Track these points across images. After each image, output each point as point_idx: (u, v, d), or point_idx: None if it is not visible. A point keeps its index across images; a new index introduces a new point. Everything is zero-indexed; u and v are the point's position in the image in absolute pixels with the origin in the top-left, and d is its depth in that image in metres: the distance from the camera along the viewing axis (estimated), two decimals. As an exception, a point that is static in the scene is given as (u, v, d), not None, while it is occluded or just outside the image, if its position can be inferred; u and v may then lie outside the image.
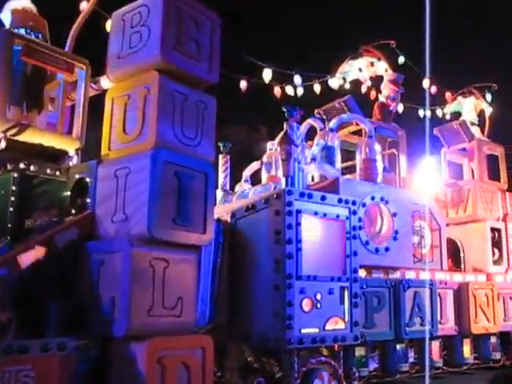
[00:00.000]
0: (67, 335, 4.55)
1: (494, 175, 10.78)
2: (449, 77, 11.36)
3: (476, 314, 8.47)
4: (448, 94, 11.43)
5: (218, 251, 6.23)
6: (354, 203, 6.63)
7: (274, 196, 6.17)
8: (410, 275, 7.90)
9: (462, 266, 9.83)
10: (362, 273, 7.34)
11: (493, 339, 9.00)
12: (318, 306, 6.09)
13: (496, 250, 9.93)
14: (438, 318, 7.88)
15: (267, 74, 9.44)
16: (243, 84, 9.51)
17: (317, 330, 6.06)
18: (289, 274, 5.91)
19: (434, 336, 7.74)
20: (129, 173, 5.01)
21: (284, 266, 5.91)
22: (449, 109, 11.81)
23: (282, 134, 6.66)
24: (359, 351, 7.04)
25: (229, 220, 6.57)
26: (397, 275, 7.71)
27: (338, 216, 6.46)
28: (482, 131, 11.46)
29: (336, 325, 6.23)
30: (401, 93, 9.61)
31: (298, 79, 9.74)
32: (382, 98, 9.61)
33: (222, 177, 8.64)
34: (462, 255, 9.93)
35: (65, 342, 4.38)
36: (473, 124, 11.32)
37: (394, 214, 7.58)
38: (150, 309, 4.70)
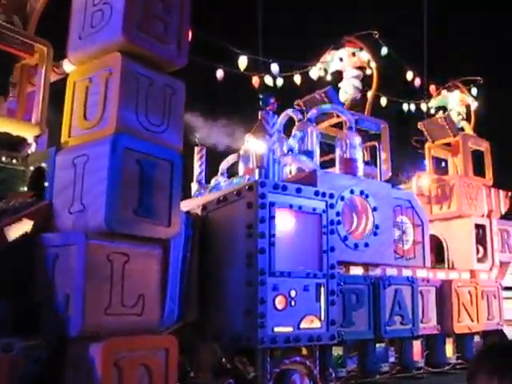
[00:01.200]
0: (18, 335, 4.23)
1: (479, 171, 10.59)
2: (433, 69, 11.08)
3: (459, 313, 8.18)
4: (432, 87, 11.16)
5: (188, 245, 5.91)
6: (331, 196, 6.32)
7: (247, 188, 5.85)
8: (391, 272, 7.62)
9: (446, 263, 9.61)
10: (340, 269, 7.07)
11: (476, 339, 8.74)
12: (293, 303, 5.78)
13: (480, 247, 9.69)
14: (420, 316, 7.59)
15: (242, 62, 9.07)
16: (220, 73, 9.15)
17: (291, 329, 5.75)
18: (261, 269, 5.59)
19: (415, 335, 7.45)
20: (87, 160, 4.68)
21: (256, 262, 5.60)
22: (434, 103, 11.56)
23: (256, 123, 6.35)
24: (337, 351, 6.75)
25: (200, 213, 6.26)
26: (377, 272, 7.43)
27: (314, 209, 6.15)
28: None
29: (311, 323, 5.92)
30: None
31: (275, 68, 9.37)
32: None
33: (198, 170, 8.33)
34: (445, 252, 9.69)
35: (12, 342, 4.05)
36: (463, 119, 11.08)
37: (375, 209, 7.29)
38: (108, 307, 4.37)
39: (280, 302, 5.71)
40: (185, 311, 5.82)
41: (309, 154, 7.47)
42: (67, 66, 5.72)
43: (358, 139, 7.67)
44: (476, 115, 11.20)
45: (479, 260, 9.53)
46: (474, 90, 11.19)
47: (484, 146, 10.79)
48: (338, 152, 7.62)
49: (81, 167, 4.71)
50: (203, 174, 8.36)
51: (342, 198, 6.98)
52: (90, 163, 4.65)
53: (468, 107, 11.21)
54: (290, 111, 8.14)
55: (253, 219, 5.72)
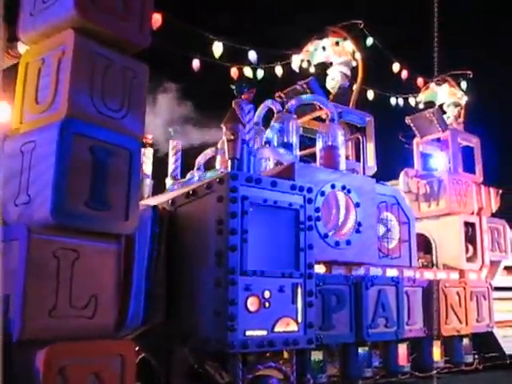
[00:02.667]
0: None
1: (468, 167, 10.25)
2: (421, 61, 10.67)
3: (447, 315, 7.78)
4: (420, 80, 10.76)
5: (155, 242, 5.52)
6: (309, 190, 5.90)
7: (217, 180, 5.44)
8: (375, 272, 7.22)
9: (434, 262, 9.22)
10: (321, 269, 6.67)
11: (465, 341, 8.33)
12: (266, 305, 5.35)
13: (470, 246, 9.30)
14: (405, 318, 7.18)
15: (217, 48, 8.59)
16: (196, 63, 8.67)
17: (264, 333, 5.33)
18: (232, 268, 5.18)
19: (400, 338, 7.04)
20: (34, 147, 4.26)
21: (226, 260, 5.19)
22: (422, 97, 11.18)
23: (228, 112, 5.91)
24: (316, 355, 6.32)
25: (168, 208, 5.85)
26: (361, 272, 7.03)
27: (290, 204, 5.73)
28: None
29: (287, 326, 5.50)
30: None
31: (253, 55, 8.89)
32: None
33: (172, 164, 7.90)
34: (433, 251, 9.31)
35: None
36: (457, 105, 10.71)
37: (357, 205, 6.87)
38: (53, 309, 3.94)
39: (252, 304, 5.29)
40: (151, 312, 5.44)
41: (288, 146, 7.07)
42: (22, 47, 5.29)
43: (340, 132, 7.26)
44: (466, 110, 10.83)
45: (469, 259, 9.14)
46: (464, 84, 10.82)
47: (474, 141, 10.44)
48: (318, 145, 7.21)
49: (28, 155, 4.29)
50: (178, 168, 7.94)
51: (323, 193, 6.56)
52: (38, 150, 4.23)
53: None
54: (269, 102, 7.73)
55: (223, 214, 5.31)
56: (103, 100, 4.51)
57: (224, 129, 5.72)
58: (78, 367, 3.89)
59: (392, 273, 7.45)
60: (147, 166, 7.84)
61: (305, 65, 9.14)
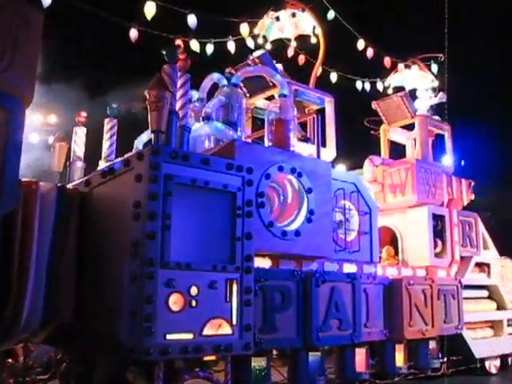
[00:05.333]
0: None
1: (439, 156, 9.58)
2: (390, 40, 9.91)
3: (411, 316, 6.95)
4: (387, 59, 9.97)
5: (61, 229, 4.69)
6: (249, 171, 5.07)
7: (136, 156, 4.58)
8: (331, 267, 6.42)
9: (400, 258, 8.47)
10: (266, 262, 5.85)
11: (431, 344, 7.56)
12: (193, 303, 4.51)
13: (439, 241, 8.55)
14: (363, 320, 6.37)
15: (149, 9, 7.60)
16: (133, 33, 7.73)
17: (190, 336, 4.49)
18: (149, 259, 4.32)
19: (356, 342, 6.22)
20: None
21: (143, 250, 4.33)
22: (391, 81, 10.43)
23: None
24: (258, 362, 5.50)
25: (81, 189, 4.98)
26: (313, 266, 6.23)
27: (225, 186, 4.88)
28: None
29: (219, 329, 4.67)
30: None
31: (192, 20, 7.91)
32: None
33: (107, 145, 7.01)
34: (399, 246, 8.54)
35: None
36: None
37: (309, 190, 6.03)
38: None
39: (176, 302, 4.45)
40: (55, 311, 4.62)
41: (232, 124, 6.22)
42: None
43: (292, 109, 6.42)
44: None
45: (437, 255, 8.39)
46: (435, 67, 10.08)
47: (445, 128, 9.73)
48: (267, 124, 6.37)
49: None
50: (113, 150, 7.03)
51: (268, 176, 5.72)
52: None
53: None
54: (215, 76, 6.87)
55: (141, 196, 4.46)
56: (-24, 48, 3.63)
57: (148, 96, 4.83)
58: None
59: (350, 268, 6.66)
60: (79, 148, 6.96)
61: (260, 41, 8.30)
